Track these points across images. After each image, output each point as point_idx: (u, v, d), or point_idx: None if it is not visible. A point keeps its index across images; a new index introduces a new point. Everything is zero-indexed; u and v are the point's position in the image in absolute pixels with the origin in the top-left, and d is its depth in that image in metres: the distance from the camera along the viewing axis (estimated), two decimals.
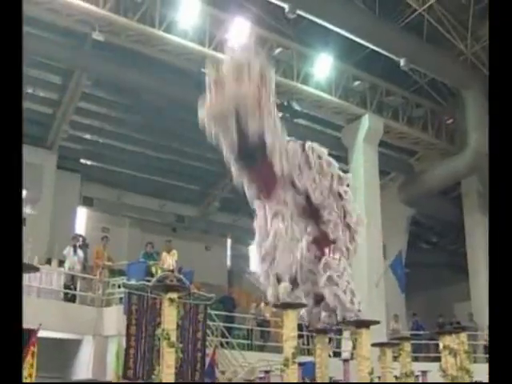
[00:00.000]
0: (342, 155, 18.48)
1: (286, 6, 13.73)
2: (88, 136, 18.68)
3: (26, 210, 17.18)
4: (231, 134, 6.46)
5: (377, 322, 7.27)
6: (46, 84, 16.72)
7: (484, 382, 5.97)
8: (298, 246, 6.66)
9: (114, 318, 10.81)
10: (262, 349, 13.10)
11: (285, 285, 6.69)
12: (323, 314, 7.30)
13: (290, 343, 6.43)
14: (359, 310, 6.96)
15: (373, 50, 15.86)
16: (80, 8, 12.81)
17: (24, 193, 17.58)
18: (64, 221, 17.28)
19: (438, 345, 9.33)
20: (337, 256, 6.75)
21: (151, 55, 14.74)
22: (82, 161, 19.18)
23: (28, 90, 16.75)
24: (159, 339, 6.07)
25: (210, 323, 11.08)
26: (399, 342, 7.73)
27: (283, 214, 6.40)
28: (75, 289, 12.15)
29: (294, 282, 6.85)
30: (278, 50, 15.47)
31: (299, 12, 13.93)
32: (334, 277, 6.69)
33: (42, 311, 9.60)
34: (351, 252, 7.01)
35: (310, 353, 10.63)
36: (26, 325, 5.78)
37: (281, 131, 6.74)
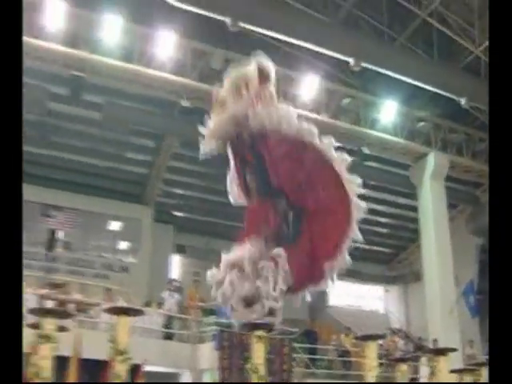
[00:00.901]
0: (410, 192, 18.20)
1: (351, 60, 13.97)
2: (179, 191, 19.43)
3: (129, 259, 18.04)
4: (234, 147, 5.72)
5: (454, 350, 7.01)
6: (141, 148, 17.70)
7: None
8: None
9: (207, 353, 11.00)
10: (343, 377, 12.86)
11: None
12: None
13: (371, 373, 6.33)
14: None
15: (435, 92, 15.71)
16: (170, 80, 13.73)
17: (126, 244, 18.52)
18: (160, 268, 17.87)
19: None
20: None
21: None
22: (175, 213, 19.89)
23: (127, 154, 17.86)
24: (249, 372, 6.13)
25: (295, 355, 11.02)
26: (476, 367, 7.38)
27: (240, 266, 5.18)
28: (172, 328, 12.48)
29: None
30: (346, 101, 15.73)
31: (363, 64, 14.14)
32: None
33: (144, 348, 9.92)
34: None
35: (390, 380, 10.32)
36: (133, 361, 6.04)
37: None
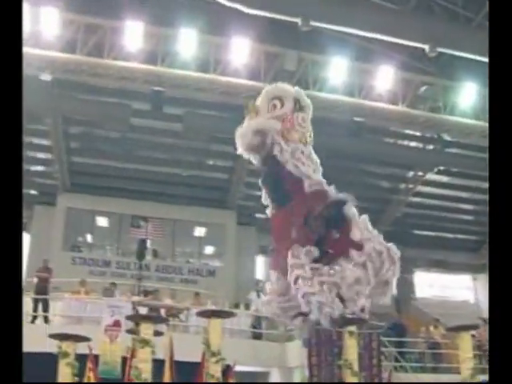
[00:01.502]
0: None
1: (426, 46, 13.54)
2: (260, 193, 19.56)
3: (215, 263, 18.47)
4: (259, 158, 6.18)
5: None
6: (221, 154, 18.04)
7: None
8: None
9: (296, 351, 11.05)
10: (434, 370, 12.47)
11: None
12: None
13: (466, 364, 6.15)
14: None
15: None
16: (245, 86, 13.95)
17: (212, 249, 18.97)
18: (246, 269, 18.14)
19: None
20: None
21: None
22: (257, 215, 20.08)
23: (208, 161, 18.30)
24: (340, 368, 6.10)
25: (384, 349, 10.83)
26: None
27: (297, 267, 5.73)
28: (261, 328, 12.65)
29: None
30: (423, 88, 15.37)
31: (439, 49, 13.67)
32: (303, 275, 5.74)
33: (234, 349, 10.11)
34: None
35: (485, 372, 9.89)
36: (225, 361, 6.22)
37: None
